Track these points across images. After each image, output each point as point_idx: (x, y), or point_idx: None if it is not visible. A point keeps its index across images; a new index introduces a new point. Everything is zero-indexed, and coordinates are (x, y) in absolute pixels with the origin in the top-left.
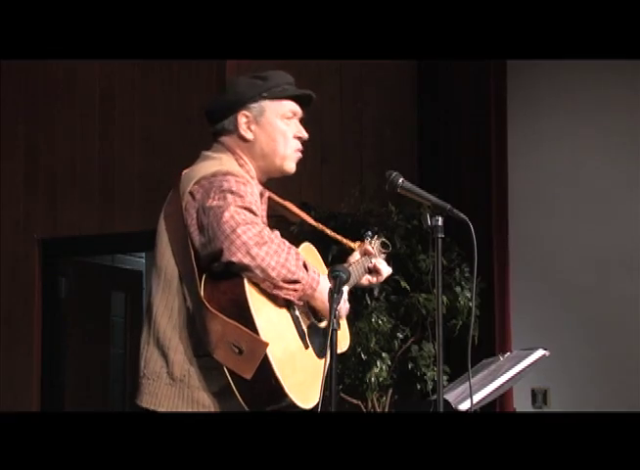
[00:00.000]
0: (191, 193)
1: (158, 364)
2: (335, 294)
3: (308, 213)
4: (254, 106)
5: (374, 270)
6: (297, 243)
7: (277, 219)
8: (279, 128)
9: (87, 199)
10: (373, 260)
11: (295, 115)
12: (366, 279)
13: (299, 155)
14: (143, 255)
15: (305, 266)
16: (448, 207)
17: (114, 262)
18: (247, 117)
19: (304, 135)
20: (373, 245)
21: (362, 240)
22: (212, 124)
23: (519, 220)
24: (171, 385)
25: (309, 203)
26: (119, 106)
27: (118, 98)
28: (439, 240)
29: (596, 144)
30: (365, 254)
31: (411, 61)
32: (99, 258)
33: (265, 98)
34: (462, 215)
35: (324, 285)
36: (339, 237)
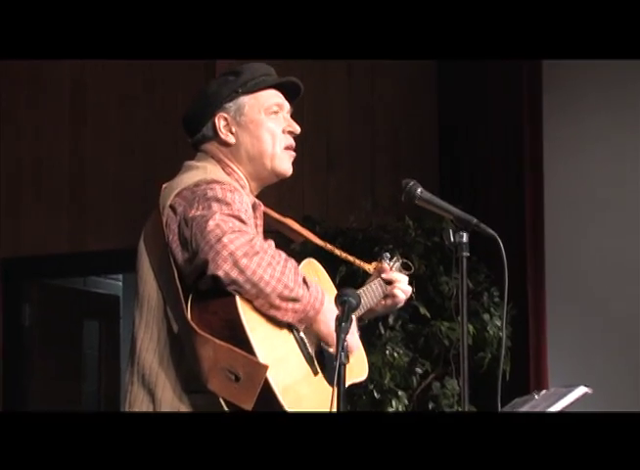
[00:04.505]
0: (171, 206)
1: (144, 406)
2: (343, 322)
3: (312, 230)
4: (230, 105)
5: (390, 294)
6: (298, 261)
7: (274, 236)
8: (264, 125)
9: (55, 211)
10: (390, 275)
11: (280, 108)
12: (381, 304)
13: (292, 153)
14: (120, 277)
15: (306, 283)
16: (474, 221)
17: (87, 286)
18: (225, 118)
19: (296, 129)
20: (392, 267)
21: (378, 261)
22: (192, 136)
23: (556, 237)
24: None
25: (313, 216)
26: (93, 103)
27: (92, 94)
28: (464, 259)
29: None
30: (380, 274)
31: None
32: (69, 281)
33: (241, 94)
34: (490, 231)
35: (329, 305)
36: (350, 258)
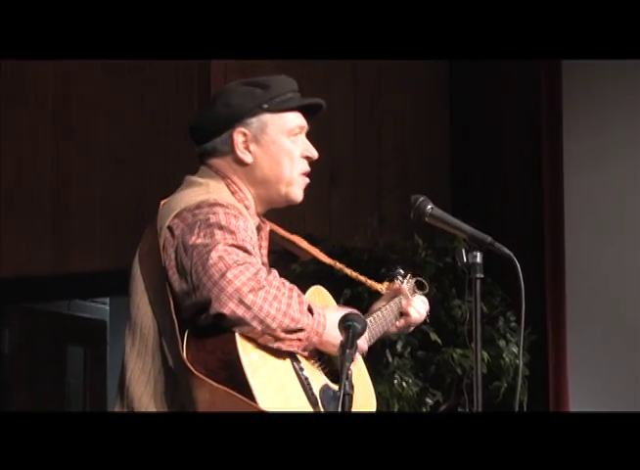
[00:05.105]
0: (170, 228)
1: None
2: (347, 349)
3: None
4: (253, 121)
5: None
6: (299, 284)
7: (277, 256)
8: (285, 148)
9: (37, 230)
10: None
11: (301, 130)
12: (393, 325)
13: (306, 180)
14: (107, 300)
15: (310, 310)
16: (489, 239)
17: (71, 310)
18: (244, 134)
19: (314, 154)
20: (405, 286)
21: (390, 280)
22: (199, 144)
23: (578, 256)
24: None
25: (314, 235)
26: (77, 110)
27: (76, 100)
28: (478, 281)
29: None
30: (396, 295)
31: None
32: (52, 305)
33: (266, 111)
34: (506, 250)
35: (331, 325)
36: (362, 277)
